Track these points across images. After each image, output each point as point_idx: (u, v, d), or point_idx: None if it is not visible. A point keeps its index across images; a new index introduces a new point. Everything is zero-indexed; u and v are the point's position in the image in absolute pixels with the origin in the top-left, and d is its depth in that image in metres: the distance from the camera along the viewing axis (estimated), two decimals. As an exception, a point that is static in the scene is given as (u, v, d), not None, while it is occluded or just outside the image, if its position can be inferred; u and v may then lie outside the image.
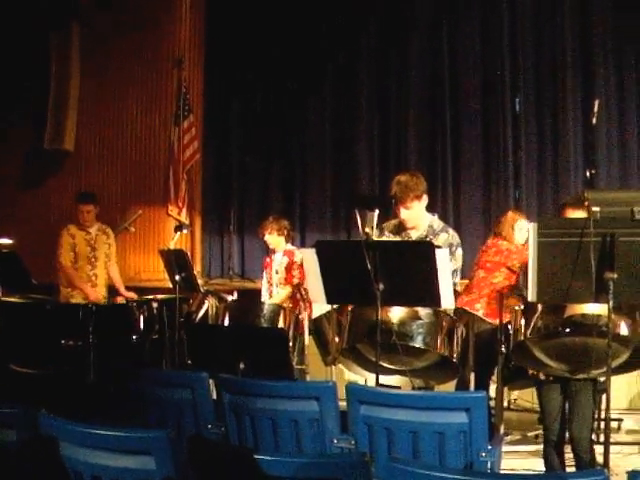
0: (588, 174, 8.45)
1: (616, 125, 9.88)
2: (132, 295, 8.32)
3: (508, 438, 6.42)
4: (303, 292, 7.05)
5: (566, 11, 10.01)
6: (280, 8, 10.80)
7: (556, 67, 10.08)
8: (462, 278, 6.07)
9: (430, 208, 5.86)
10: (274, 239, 7.82)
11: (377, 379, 4.91)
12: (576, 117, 9.92)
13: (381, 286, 4.67)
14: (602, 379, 4.75)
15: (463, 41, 10.32)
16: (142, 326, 7.28)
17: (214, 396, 4.32)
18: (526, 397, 7.08)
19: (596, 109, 8.25)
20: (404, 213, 5.63)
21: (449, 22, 10.41)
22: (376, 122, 10.70)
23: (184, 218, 10.68)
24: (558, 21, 10.05)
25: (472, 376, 6.02)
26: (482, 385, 6.13)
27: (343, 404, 3.88)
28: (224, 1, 11.24)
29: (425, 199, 5.69)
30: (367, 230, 4.79)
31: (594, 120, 8.43)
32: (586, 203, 4.17)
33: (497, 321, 5.55)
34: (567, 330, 4.64)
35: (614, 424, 7.02)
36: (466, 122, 10.29)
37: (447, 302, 4.80)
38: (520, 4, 10.14)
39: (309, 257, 4.91)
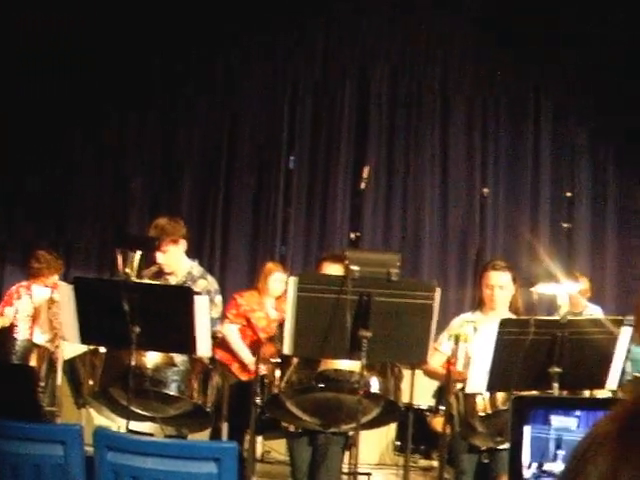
0: (353, 236, 8.69)
1: (383, 191, 10.25)
2: None
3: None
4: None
5: (347, 75, 10.35)
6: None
7: (332, 129, 10.36)
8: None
9: (198, 256, 5.82)
10: None
11: (127, 425, 4.80)
12: (346, 180, 10.20)
13: (137, 329, 4.57)
14: (351, 433, 4.86)
15: (244, 99, 10.41)
16: None
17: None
18: (280, 449, 7.13)
19: (365, 175, 8.52)
20: (160, 257, 5.55)
21: (234, 83, 10.46)
22: (153, 162, 10.54)
23: None
24: (338, 85, 10.36)
25: (225, 426, 5.99)
26: (235, 435, 6.12)
27: (92, 450, 3.75)
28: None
29: (183, 244, 5.64)
30: (127, 270, 4.70)
31: (362, 185, 8.70)
32: (346, 262, 4.28)
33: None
34: (320, 385, 4.72)
35: (364, 478, 7.20)
36: (240, 174, 10.35)
37: (203, 350, 4.77)
38: (303, 68, 10.38)
39: (66, 293, 4.75)
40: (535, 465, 1.89)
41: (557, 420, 1.86)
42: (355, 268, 4.18)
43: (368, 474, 7.32)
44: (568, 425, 1.87)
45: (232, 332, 6.71)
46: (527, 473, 1.87)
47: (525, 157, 10.59)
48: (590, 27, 10.31)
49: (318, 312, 4.23)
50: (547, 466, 1.89)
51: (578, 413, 1.89)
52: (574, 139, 10.78)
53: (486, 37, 10.51)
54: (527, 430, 1.84)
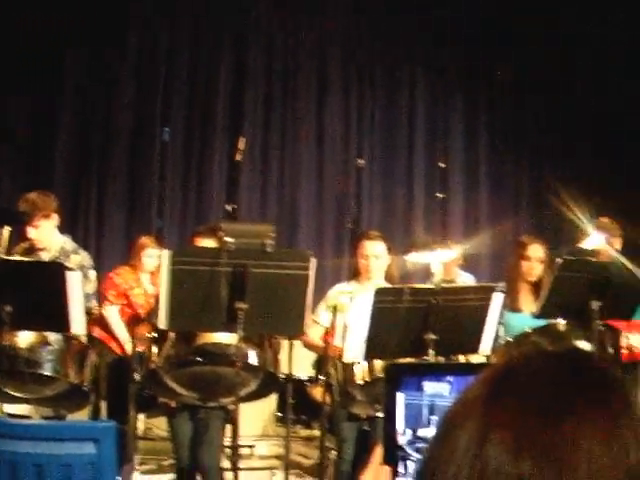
0: (230, 208, 8.66)
1: (259, 163, 10.22)
2: None
3: (143, 467, 6.36)
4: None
5: (222, 46, 10.23)
6: None
7: (208, 102, 10.23)
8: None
9: (72, 231, 5.67)
10: None
11: (1, 408, 4.66)
12: (222, 152, 10.12)
13: (8, 308, 4.43)
14: (231, 407, 4.84)
15: (119, 74, 10.16)
16: None
17: None
18: (162, 425, 7.07)
19: (241, 146, 8.48)
20: (32, 232, 5.40)
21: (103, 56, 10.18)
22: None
23: None
24: (213, 57, 10.23)
25: (104, 405, 5.89)
26: (116, 414, 6.02)
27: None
28: None
29: (55, 219, 5.50)
30: (-4, 247, 4.55)
31: (238, 157, 8.66)
32: (220, 234, 4.24)
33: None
34: (198, 359, 4.67)
35: (247, 450, 7.22)
36: (114, 147, 10.13)
37: (78, 327, 4.66)
38: (177, 38, 10.20)
39: None
40: (409, 432, 1.89)
41: (430, 386, 1.88)
42: (229, 240, 4.14)
43: (251, 446, 7.36)
44: (441, 391, 1.88)
45: (113, 314, 6.59)
46: (402, 439, 1.88)
47: (400, 128, 10.73)
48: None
49: (193, 285, 4.18)
50: (421, 432, 1.91)
51: (450, 379, 1.91)
52: (447, 110, 10.97)
53: (360, 6, 10.56)
54: (400, 397, 1.85)
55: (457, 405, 1.08)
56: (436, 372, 1.90)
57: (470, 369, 1.84)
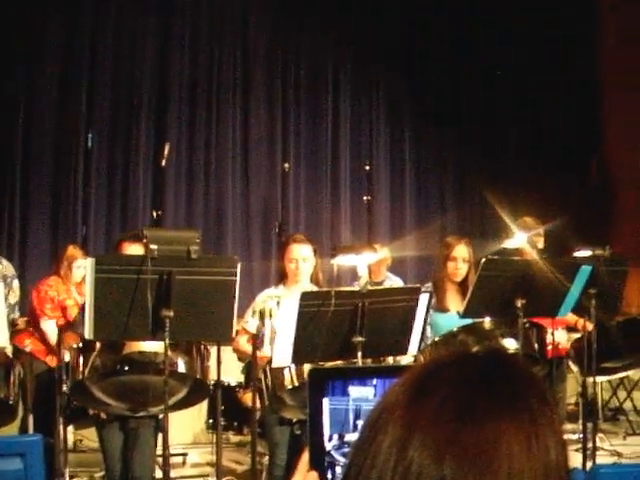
0: (155, 215, 8.58)
1: (185, 168, 10.16)
2: None
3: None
4: None
5: (146, 52, 10.13)
6: None
7: (132, 107, 10.13)
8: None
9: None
10: None
11: None
12: (147, 158, 10.03)
13: None
14: (161, 416, 4.79)
15: (39, 76, 9.99)
16: None
17: None
18: (93, 437, 6.97)
19: (166, 151, 8.42)
20: None
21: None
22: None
23: None
24: (137, 62, 10.13)
25: (31, 418, 5.79)
26: (45, 426, 5.92)
27: None
28: None
29: None
30: None
31: (163, 162, 8.59)
32: (144, 241, 4.19)
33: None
34: (125, 368, 4.62)
35: (179, 459, 7.16)
36: (37, 154, 9.95)
37: (1, 339, 4.58)
38: (101, 43, 10.06)
39: None
40: (336, 437, 1.89)
41: (355, 390, 1.87)
42: (154, 247, 4.10)
43: (184, 454, 7.30)
44: (366, 395, 1.89)
45: (51, 329, 6.47)
46: (328, 445, 1.87)
47: (325, 132, 10.76)
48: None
49: (118, 294, 4.12)
50: (348, 437, 1.90)
51: (375, 382, 1.91)
52: (371, 113, 11.04)
53: (284, 10, 10.57)
54: (326, 402, 1.84)
55: (378, 409, 1.08)
56: (360, 376, 1.90)
57: (394, 372, 1.85)
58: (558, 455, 1.02)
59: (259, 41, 10.55)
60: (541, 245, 6.45)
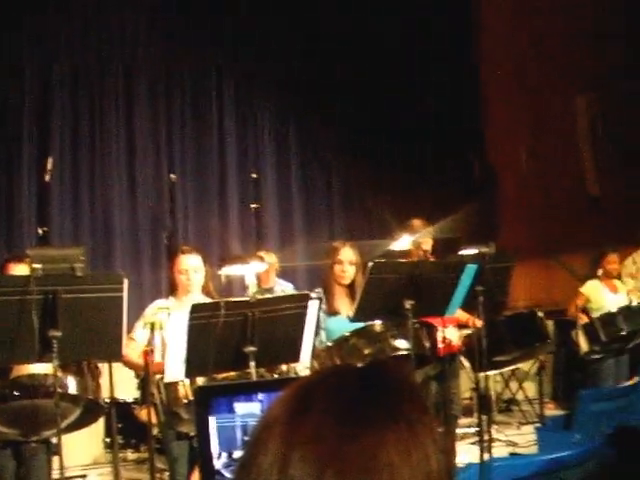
0: (41, 231, 8.40)
1: (69, 182, 9.97)
2: None
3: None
4: None
5: (27, 68, 9.90)
6: None
7: (13, 121, 9.87)
8: None
9: None
10: None
11: None
12: (30, 174, 9.79)
13: None
14: (54, 439, 4.70)
15: None
16: None
17: None
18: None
19: (49, 166, 8.25)
20: None
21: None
22: None
23: None
24: (17, 75, 9.86)
25: None
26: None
27: None
28: None
29: None
30: None
31: (47, 177, 8.42)
32: (27, 260, 4.10)
33: None
34: (15, 393, 4.50)
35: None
36: None
37: None
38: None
39: None
40: (225, 455, 1.89)
41: (241, 407, 1.88)
42: (38, 266, 4.01)
43: (83, 476, 7.18)
44: (252, 410, 1.89)
45: None
46: (217, 463, 1.87)
47: (211, 140, 10.72)
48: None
49: (3, 316, 4.02)
50: (237, 454, 1.91)
51: (260, 397, 1.91)
52: (257, 120, 11.05)
53: (168, 15, 10.50)
54: (213, 420, 1.84)
55: (260, 426, 1.07)
56: (245, 391, 1.91)
57: (279, 385, 1.85)
58: (439, 463, 1.04)
59: (143, 50, 10.43)
60: (429, 246, 6.55)
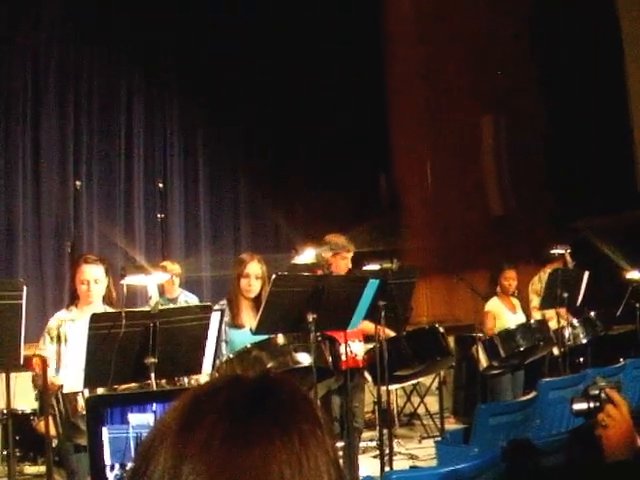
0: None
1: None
2: None
3: None
4: None
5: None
6: None
7: None
8: None
9: None
10: None
11: None
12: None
13: None
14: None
15: None
16: None
17: None
18: None
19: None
20: None
21: None
22: None
23: None
24: None
25: None
26: None
27: None
28: None
29: None
30: None
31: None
32: None
33: None
34: None
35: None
36: None
37: None
38: None
39: None
40: (117, 466, 1.88)
41: (135, 418, 1.87)
42: None
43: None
44: (146, 421, 1.88)
45: None
46: (110, 475, 1.85)
47: (118, 149, 10.62)
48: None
49: None
50: (130, 466, 1.89)
51: (154, 407, 1.91)
52: (164, 130, 10.99)
53: (77, 24, 10.38)
54: (105, 431, 1.83)
55: (150, 437, 1.06)
56: (139, 402, 1.90)
57: (172, 395, 1.86)
58: (331, 475, 1.04)
59: (51, 55, 10.28)
60: (347, 261, 6.50)
